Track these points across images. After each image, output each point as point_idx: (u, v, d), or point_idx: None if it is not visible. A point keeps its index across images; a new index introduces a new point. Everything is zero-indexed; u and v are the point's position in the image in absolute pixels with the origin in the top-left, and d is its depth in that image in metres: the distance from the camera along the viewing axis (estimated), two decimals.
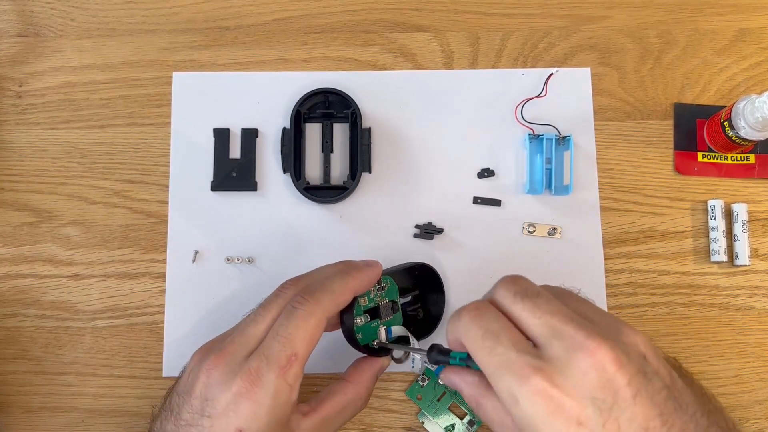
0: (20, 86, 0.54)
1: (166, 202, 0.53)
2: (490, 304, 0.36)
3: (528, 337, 0.34)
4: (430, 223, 0.52)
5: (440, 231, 0.51)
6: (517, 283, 0.36)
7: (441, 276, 0.50)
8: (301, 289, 0.41)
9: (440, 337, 0.50)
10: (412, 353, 0.45)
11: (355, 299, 0.42)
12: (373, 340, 0.44)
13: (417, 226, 0.52)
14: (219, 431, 0.37)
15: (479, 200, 0.53)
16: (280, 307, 0.40)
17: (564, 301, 0.35)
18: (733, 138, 0.51)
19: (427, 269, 0.50)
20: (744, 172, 0.53)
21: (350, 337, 0.42)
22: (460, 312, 0.36)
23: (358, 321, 0.43)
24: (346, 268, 0.43)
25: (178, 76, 0.55)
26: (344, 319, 0.42)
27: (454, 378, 0.38)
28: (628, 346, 0.32)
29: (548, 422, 0.31)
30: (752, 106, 0.48)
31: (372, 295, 0.44)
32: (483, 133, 0.54)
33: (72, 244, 0.52)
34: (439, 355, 0.38)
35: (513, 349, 0.33)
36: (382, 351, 0.44)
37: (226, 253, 0.52)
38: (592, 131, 0.54)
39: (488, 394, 0.35)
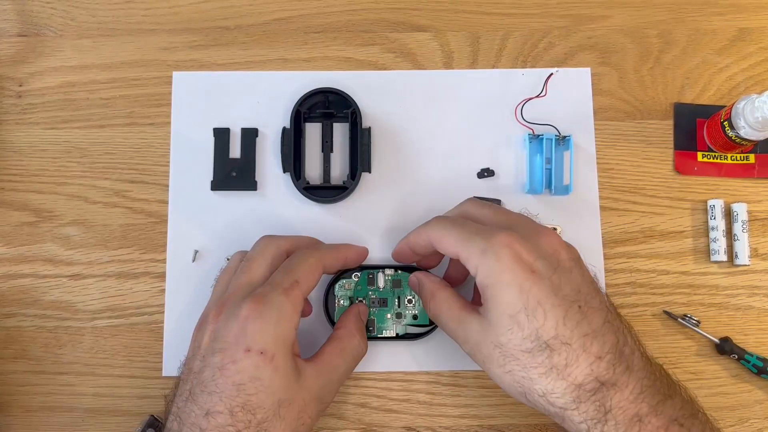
0: (20, 86, 0.54)
1: (166, 202, 0.53)
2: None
3: None
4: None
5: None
6: (479, 202, 0.47)
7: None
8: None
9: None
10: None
11: (339, 275, 0.50)
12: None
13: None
14: (229, 360, 0.39)
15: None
16: (268, 259, 0.44)
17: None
18: (733, 138, 0.51)
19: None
20: (744, 171, 0.53)
21: (325, 309, 0.50)
22: (429, 222, 0.45)
23: (341, 301, 0.50)
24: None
25: (178, 76, 0.55)
26: (327, 290, 0.50)
27: (423, 275, 0.47)
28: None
29: (509, 267, 0.39)
30: (752, 106, 0.48)
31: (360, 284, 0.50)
32: (483, 133, 0.54)
33: (72, 243, 0.52)
34: (737, 350, 0.50)
35: (481, 226, 0.43)
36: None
37: (226, 252, 0.52)
38: (592, 131, 0.54)
39: (445, 289, 0.45)
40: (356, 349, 0.46)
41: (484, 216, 0.45)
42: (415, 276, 0.48)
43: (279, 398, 0.39)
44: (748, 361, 0.49)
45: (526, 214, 0.47)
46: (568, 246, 0.42)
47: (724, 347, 0.50)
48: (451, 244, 0.42)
